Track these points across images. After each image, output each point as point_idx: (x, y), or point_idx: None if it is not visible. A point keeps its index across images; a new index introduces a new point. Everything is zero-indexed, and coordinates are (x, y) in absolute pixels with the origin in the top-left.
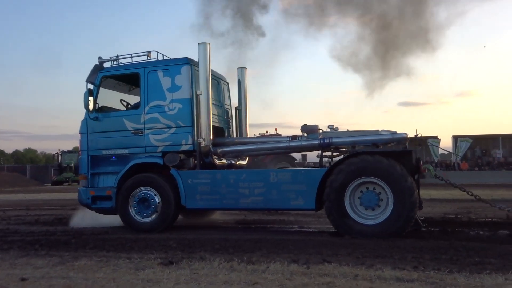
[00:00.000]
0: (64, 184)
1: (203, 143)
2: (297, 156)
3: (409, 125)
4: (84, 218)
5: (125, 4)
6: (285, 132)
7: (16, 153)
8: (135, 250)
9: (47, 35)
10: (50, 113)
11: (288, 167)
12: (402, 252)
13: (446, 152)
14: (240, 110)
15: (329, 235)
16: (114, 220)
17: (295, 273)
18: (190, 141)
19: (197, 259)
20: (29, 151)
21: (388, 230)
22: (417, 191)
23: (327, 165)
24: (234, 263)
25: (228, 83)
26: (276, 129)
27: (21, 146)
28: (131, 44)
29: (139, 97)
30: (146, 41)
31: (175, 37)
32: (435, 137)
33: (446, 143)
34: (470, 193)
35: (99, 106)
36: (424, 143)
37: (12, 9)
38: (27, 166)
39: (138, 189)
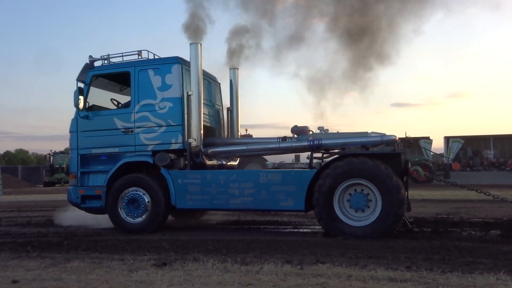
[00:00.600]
0: (56, 185)
1: (193, 143)
2: (290, 156)
3: (403, 126)
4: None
5: (120, 4)
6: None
7: (7, 154)
8: (128, 252)
9: (38, 33)
10: (41, 113)
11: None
12: (395, 252)
13: (438, 153)
14: (232, 110)
15: (323, 236)
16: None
17: (289, 274)
18: (180, 140)
19: (190, 260)
20: (20, 152)
21: (379, 230)
22: (405, 191)
23: (318, 166)
24: (227, 264)
25: (219, 84)
26: (246, 130)
27: (12, 146)
28: (124, 43)
29: (129, 96)
30: (139, 40)
31: (173, 37)
32: (427, 138)
33: (438, 144)
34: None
35: (90, 105)
36: (416, 144)
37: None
38: (19, 167)
39: (126, 190)
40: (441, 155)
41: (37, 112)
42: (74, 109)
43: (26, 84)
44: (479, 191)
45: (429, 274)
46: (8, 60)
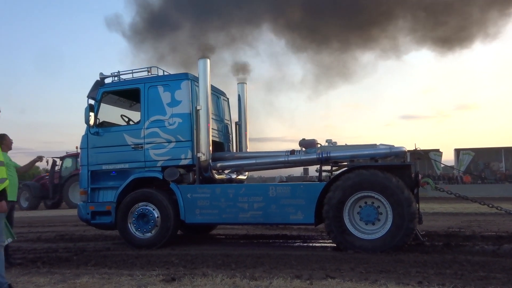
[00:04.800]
0: None
1: (202, 157)
2: (299, 170)
3: (412, 138)
4: None
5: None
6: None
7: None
8: (137, 267)
9: (49, 48)
10: (52, 129)
11: None
12: (406, 266)
13: (448, 166)
14: (240, 125)
15: (332, 250)
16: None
17: None
18: (189, 156)
19: (199, 275)
20: None
21: (390, 244)
22: (416, 204)
23: (327, 179)
24: (236, 279)
25: (228, 99)
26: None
27: (23, 162)
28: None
29: (139, 112)
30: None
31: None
32: (437, 150)
33: (448, 156)
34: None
35: (100, 121)
36: (426, 157)
37: (15, 18)
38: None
39: (136, 205)
40: (451, 167)
41: (48, 128)
42: (85, 125)
43: (37, 100)
44: (490, 205)
45: None
46: (18, 75)
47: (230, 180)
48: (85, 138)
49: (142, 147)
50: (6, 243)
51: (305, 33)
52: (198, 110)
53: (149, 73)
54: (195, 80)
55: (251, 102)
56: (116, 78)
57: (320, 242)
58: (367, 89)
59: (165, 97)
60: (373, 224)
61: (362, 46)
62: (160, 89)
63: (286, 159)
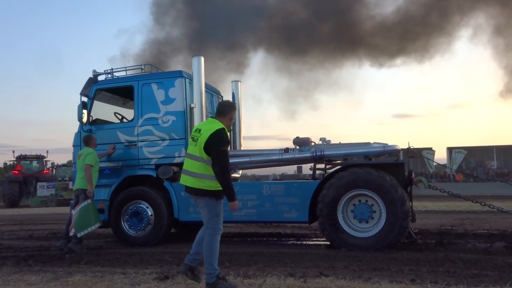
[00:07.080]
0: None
1: None
2: (293, 168)
3: (405, 137)
4: None
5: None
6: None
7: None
8: (130, 265)
9: (40, 44)
10: (44, 126)
11: None
12: (399, 264)
13: (441, 164)
14: (234, 123)
15: (326, 248)
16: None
17: (292, 287)
18: (183, 153)
19: None
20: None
21: (383, 242)
22: (410, 202)
23: (321, 177)
24: (230, 277)
25: (222, 97)
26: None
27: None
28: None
29: (133, 110)
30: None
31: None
32: (430, 149)
33: (441, 155)
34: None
35: (93, 118)
36: (419, 155)
37: (7, 17)
38: None
39: (130, 203)
40: (444, 165)
41: (39, 125)
42: (78, 123)
43: (28, 97)
44: (483, 203)
45: (433, 287)
46: (9, 72)
47: None
48: (78, 135)
49: (135, 145)
50: (95, 227)
51: (293, 47)
52: (192, 108)
53: (143, 71)
54: (189, 78)
55: (245, 101)
56: (109, 76)
57: (314, 240)
58: (360, 89)
59: (159, 94)
60: (367, 222)
61: (350, 57)
62: (154, 86)
63: (280, 157)
